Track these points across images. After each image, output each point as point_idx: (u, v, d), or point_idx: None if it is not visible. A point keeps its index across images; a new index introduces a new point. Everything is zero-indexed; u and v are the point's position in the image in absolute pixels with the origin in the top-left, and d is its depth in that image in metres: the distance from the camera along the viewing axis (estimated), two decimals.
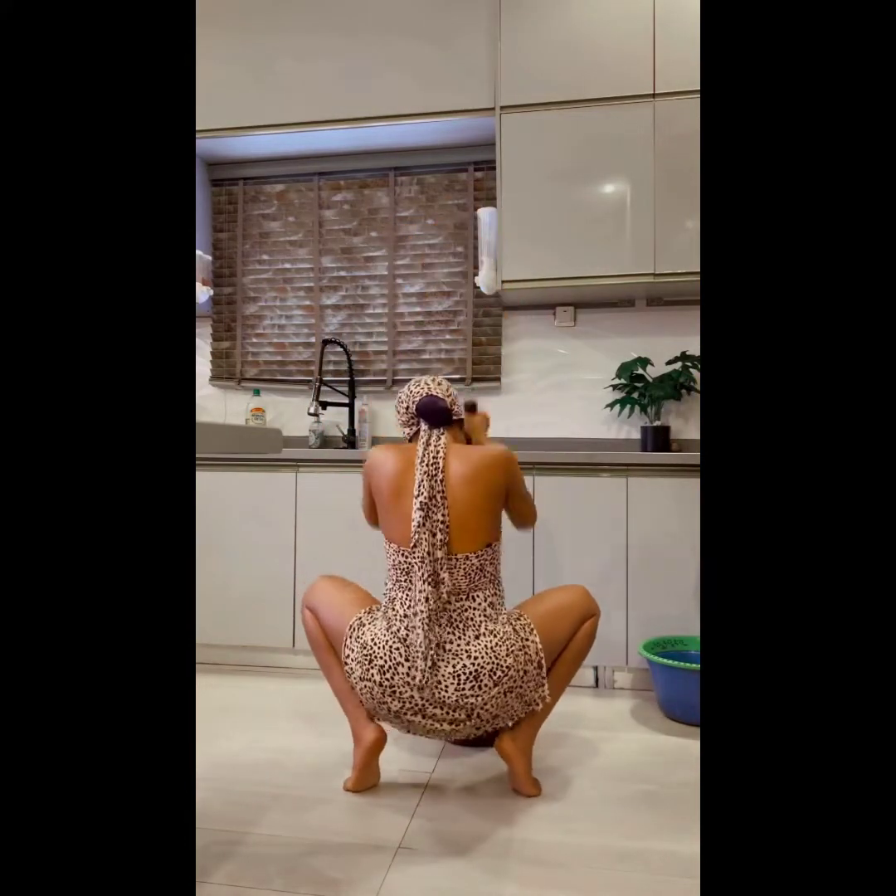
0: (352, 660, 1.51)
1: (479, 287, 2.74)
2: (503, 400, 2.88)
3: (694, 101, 2.43)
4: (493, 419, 2.88)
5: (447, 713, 1.44)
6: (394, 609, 1.51)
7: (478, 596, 1.50)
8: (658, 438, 2.57)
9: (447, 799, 1.56)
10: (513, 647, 1.47)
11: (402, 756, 1.79)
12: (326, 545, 2.46)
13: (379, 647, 1.47)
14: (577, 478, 2.32)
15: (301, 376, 3.04)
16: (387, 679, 1.45)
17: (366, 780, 1.59)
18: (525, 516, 1.67)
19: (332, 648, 1.63)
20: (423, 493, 1.48)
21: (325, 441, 2.96)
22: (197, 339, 3.15)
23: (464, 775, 1.69)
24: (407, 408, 1.63)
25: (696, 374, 2.69)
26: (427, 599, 1.44)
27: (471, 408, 1.75)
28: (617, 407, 2.76)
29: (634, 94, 2.46)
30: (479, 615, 1.49)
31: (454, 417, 1.62)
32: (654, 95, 2.44)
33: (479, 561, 1.51)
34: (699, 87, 1.78)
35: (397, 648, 1.45)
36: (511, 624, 1.51)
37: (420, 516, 1.47)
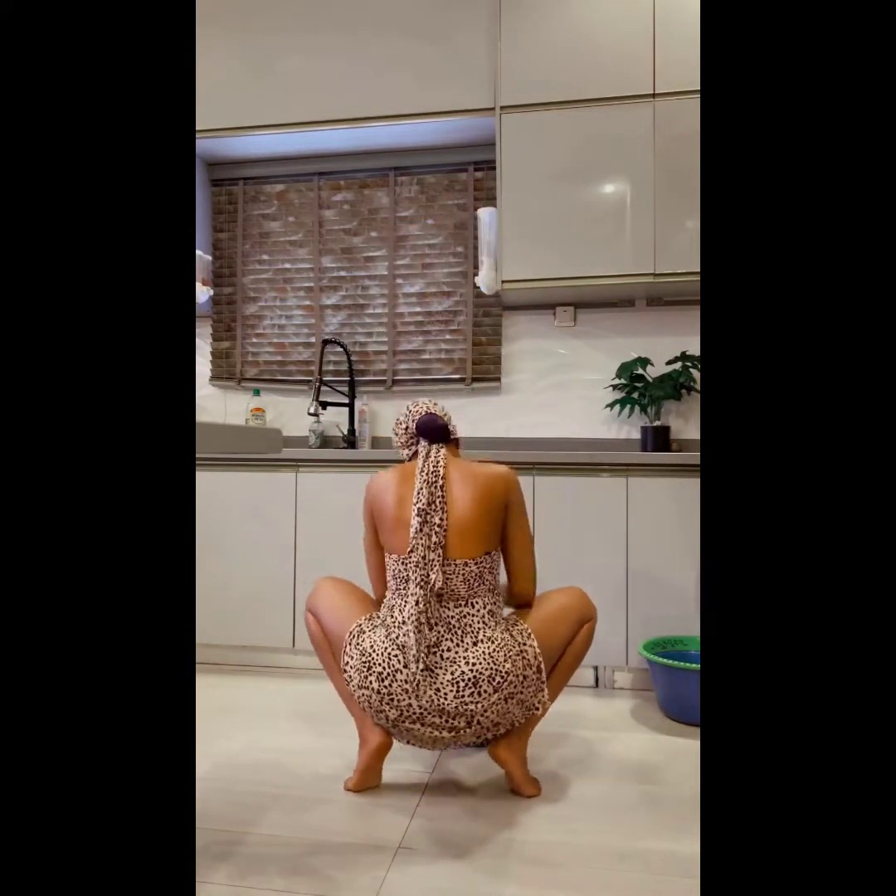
0: (351, 667, 1.51)
1: (479, 287, 2.74)
2: (503, 400, 2.88)
3: (694, 101, 2.43)
4: (493, 419, 2.88)
5: (446, 721, 1.44)
6: (392, 617, 1.51)
7: (476, 603, 1.50)
8: (658, 438, 2.57)
9: (447, 799, 1.56)
10: (511, 653, 1.47)
11: (402, 756, 1.79)
12: (326, 545, 2.46)
13: (377, 655, 1.47)
14: (577, 478, 2.32)
15: (301, 376, 3.04)
16: (385, 686, 1.45)
17: (367, 780, 1.59)
18: (524, 553, 1.59)
19: (334, 652, 1.63)
20: (421, 500, 1.49)
21: (325, 441, 2.96)
22: (197, 339, 3.15)
23: (464, 776, 1.69)
24: (406, 428, 1.66)
25: (696, 374, 2.69)
26: (417, 602, 1.44)
27: None
28: (617, 407, 2.76)
29: (634, 94, 2.46)
30: (478, 622, 1.49)
31: (452, 436, 1.66)
32: (654, 95, 2.44)
33: (478, 568, 1.51)
34: (699, 87, 1.78)
35: (396, 656, 1.45)
36: (508, 630, 1.51)
37: (418, 522, 1.48)
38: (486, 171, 2.88)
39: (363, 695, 1.48)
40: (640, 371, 2.67)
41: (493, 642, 1.46)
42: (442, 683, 1.43)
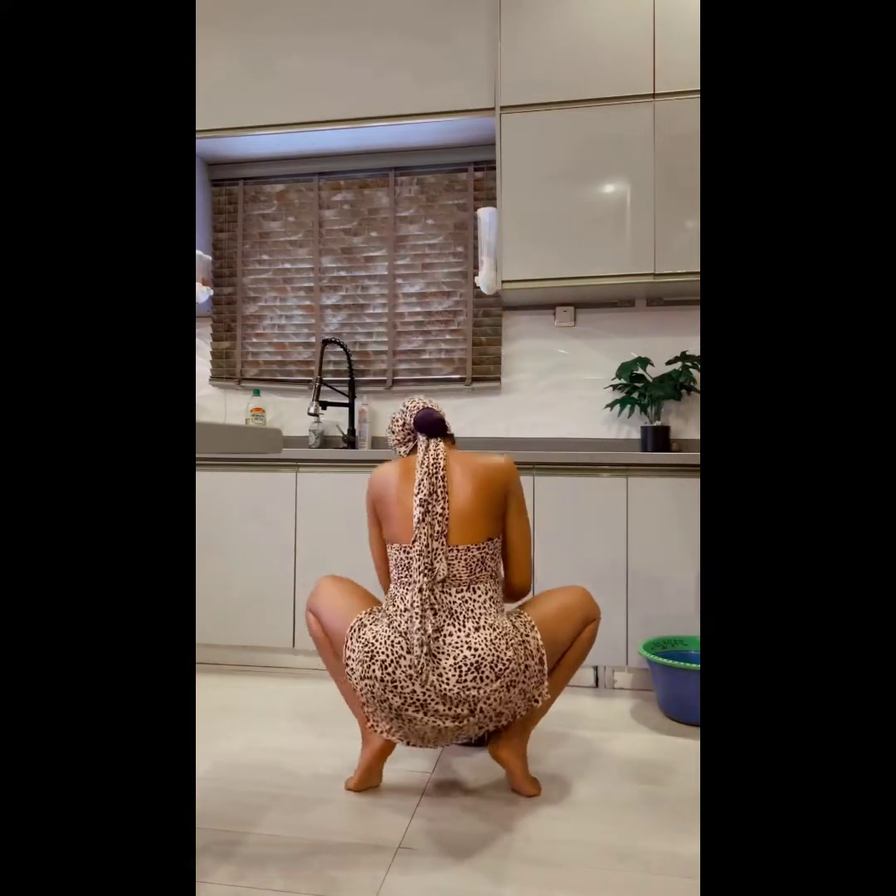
0: (353, 660, 1.51)
1: (479, 287, 2.74)
2: (503, 400, 2.88)
3: (694, 101, 2.43)
4: (493, 419, 2.88)
5: (450, 708, 1.44)
6: (395, 605, 1.52)
7: (478, 588, 1.51)
8: (658, 438, 2.58)
9: (447, 799, 1.56)
10: (513, 641, 1.47)
11: (402, 756, 1.79)
12: (326, 545, 2.46)
13: (380, 643, 1.47)
14: (577, 478, 2.32)
15: (301, 376, 3.04)
16: (388, 673, 1.45)
17: (368, 780, 1.59)
18: (522, 543, 1.63)
19: (335, 651, 1.63)
20: (423, 491, 1.50)
21: (325, 441, 2.96)
22: (197, 339, 3.15)
23: (464, 775, 1.69)
24: (403, 424, 1.67)
25: (696, 374, 2.69)
26: (420, 590, 1.45)
27: None
28: (617, 407, 2.76)
29: (634, 94, 2.46)
30: (479, 608, 1.49)
31: (448, 431, 1.68)
32: (654, 95, 2.45)
33: (480, 554, 1.52)
34: (699, 87, 1.78)
35: (399, 642, 1.45)
36: (511, 620, 1.52)
37: (420, 512, 1.49)
38: (486, 171, 2.88)
39: (366, 685, 1.48)
40: (640, 371, 2.67)
41: (495, 629, 1.47)
42: (444, 668, 1.43)
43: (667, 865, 1.31)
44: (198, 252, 2.98)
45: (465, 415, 2.90)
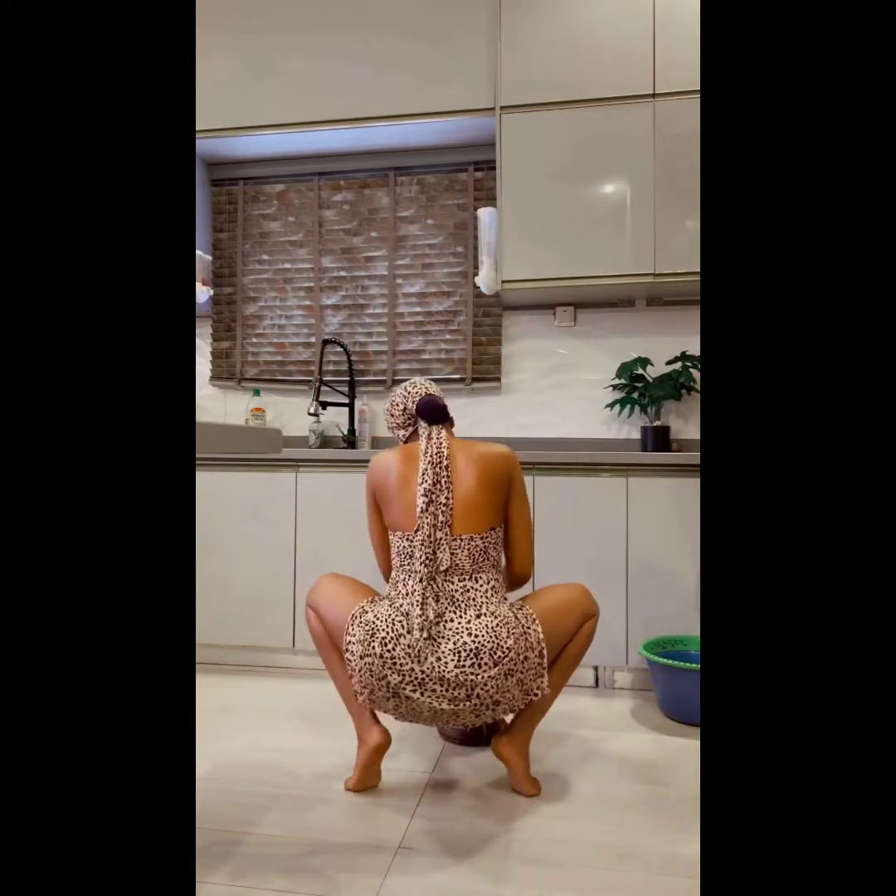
0: (353, 642, 1.50)
1: (479, 287, 2.74)
2: (503, 400, 2.88)
3: (694, 101, 2.43)
4: (493, 419, 2.88)
5: (447, 691, 1.44)
6: (396, 590, 1.53)
7: (480, 577, 1.52)
8: (658, 438, 2.58)
9: (447, 799, 1.56)
10: (514, 631, 1.48)
11: (402, 756, 1.79)
12: (326, 545, 2.46)
13: (382, 621, 1.48)
14: (577, 478, 2.32)
15: (301, 376, 3.04)
16: (388, 650, 1.45)
17: (367, 780, 1.59)
18: (524, 530, 1.64)
19: (335, 647, 1.63)
20: (427, 480, 1.51)
21: (325, 441, 2.96)
22: (197, 339, 3.15)
23: (464, 775, 1.69)
24: (404, 409, 1.67)
25: (696, 374, 2.69)
26: (422, 579, 1.46)
27: None
28: (617, 407, 2.76)
29: (634, 94, 2.46)
30: (481, 596, 1.50)
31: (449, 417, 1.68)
32: (654, 95, 2.45)
33: (483, 543, 1.53)
34: (699, 87, 1.78)
35: (400, 621, 1.47)
36: (513, 611, 1.52)
37: (424, 502, 1.50)
38: (486, 171, 2.88)
39: (365, 664, 1.47)
40: (640, 371, 2.67)
41: (496, 617, 1.48)
42: (443, 652, 1.43)
43: (667, 865, 1.31)
44: (198, 252, 2.98)
45: (465, 415, 2.90)
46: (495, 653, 1.44)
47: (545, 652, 1.51)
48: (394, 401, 1.68)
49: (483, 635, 1.45)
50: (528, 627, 1.51)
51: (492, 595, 1.53)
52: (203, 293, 2.98)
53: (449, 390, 2.92)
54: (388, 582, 1.65)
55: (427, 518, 1.50)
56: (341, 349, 2.98)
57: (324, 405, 2.84)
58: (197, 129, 2.82)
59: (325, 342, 2.83)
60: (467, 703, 1.45)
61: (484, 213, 2.63)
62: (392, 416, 1.69)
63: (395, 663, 1.45)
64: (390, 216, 2.98)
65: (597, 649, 2.29)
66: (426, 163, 2.93)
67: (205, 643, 2.55)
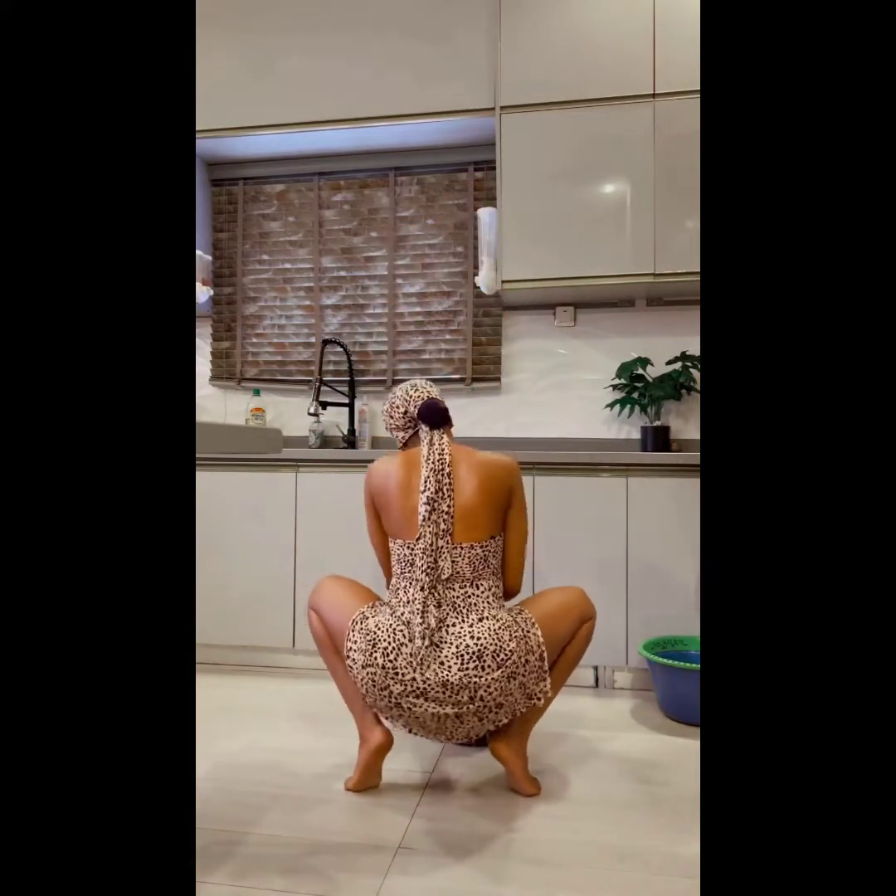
0: (355, 650, 1.51)
1: (479, 287, 2.74)
2: (503, 400, 2.88)
3: (694, 101, 2.43)
4: (493, 419, 2.88)
5: (450, 695, 1.44)
6: (397, 597, 1.52)
7: (481, 584, 1.52)
8: (658, 438, 2.58)
9: (447, 799, 1.56)
10: (515, 634, 1.48)
11: (402, 756, 1.79)
12: (326, 545, 2.46)
13: (383, 631, 1.48)
14: (577, 478, 2.32)
15: (301, 376, 3.04)
16: (389, 660, 1.45)
17: (367, 780, 1.59)
18: (519, 542, 1.63)
19: (337, 649, 1.63)
20: (429, 488, 1.50)
21: (325, 441, 2.96)
22: (197, 339, 3.15)
23: (464, 775, 1.69)
24: (404, 412, 1.65)
25: (696, 374, 2.69)
26: (423, 588, 1.45)
27: None
28: (617, 407, 2.76)
29: (634, 94, 2.46)
30: (483, 602, 1.51)
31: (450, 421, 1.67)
32: (654, 95, 2.44)
33: (484, 551, 1.53)
34: (699, 87, 1.78)
35: (401, 631, 1.47)
36: (512, 616, 1.53)
37: (426, 511, 1.49)
38: (486, 171, 2.88)
39: (367, 674, 1.48)
40: (640, 371, 2.67)
41: (498, 620, 1.48)
42: (446, 656, 1.43)
43: (667, 865, 1.31)
44: (198, 252, 2.98)
45: (466, 415, 2.90)
46: (498, 655, 1.44)
47: (546, 655, 1.52)
48: (394, 403, 1.67)
49: (485, 638, 1.45)
50: (528, 631, 1.51)
51: (493, 600, 1.53)
52: (203, 293, 2.98)
53: (449, 390, 2.92)
54: (389, 588, 1.64)
55: (429, 526, 1.49)
56: (341, 349, 2.98)
57: (324, 405, 2.84)
58: (197, 129, 2.82)
59: (325, 342, 2.83)
60: (471, 706, 1.45)
61: (484, 213, 2.63)
62: (391, 417, 1.68)
63: (396, 673, 1.45)
64: (390, 216, 2.98)
65: (597, 649, 2.29)
66: (426, 163, 2.93)
67: (205, 643, 2.55)
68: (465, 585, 1.50)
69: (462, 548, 1.51)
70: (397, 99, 2.65)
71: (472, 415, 2.90)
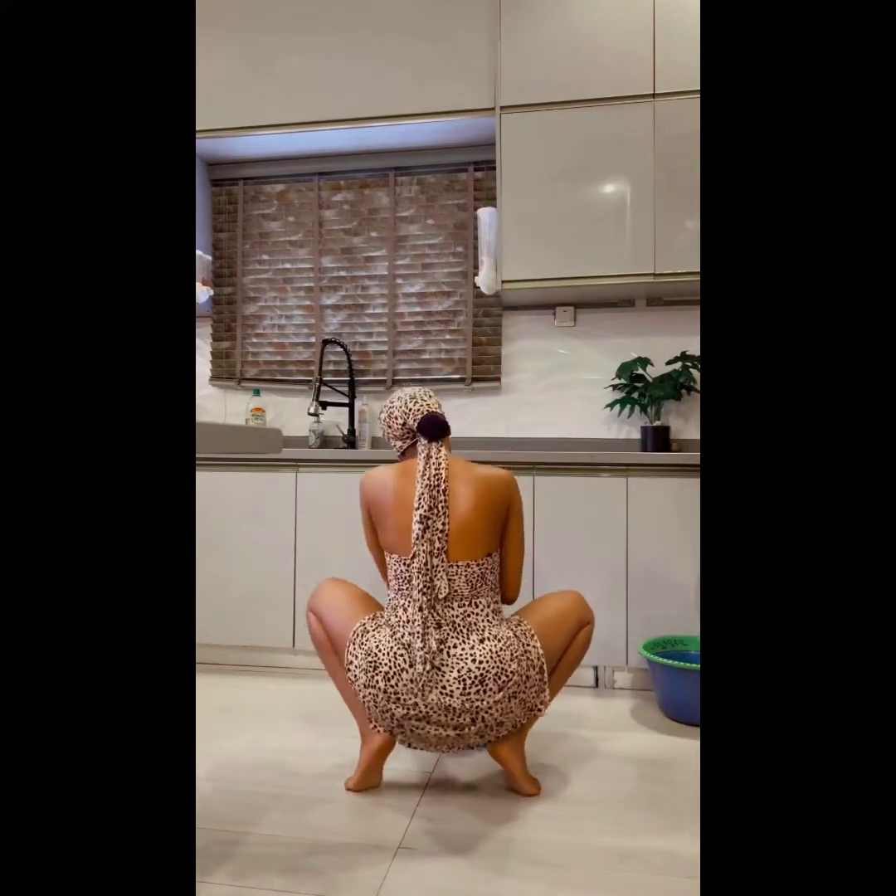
0: (356, 667, 1.51)
1: (479, 287, 2.74)
2: (503, 400, 2.88)
3: (694, 101, 2.43)
4: (493, 419, 2.88)
5: (452, 719, 1.44)
6: (396, 616, 1.51)
7: (480, 602, 1.50)
8: (658, 438, 2.57)
9: (447, 799, 1.56)
10: (516, 653, 1.47)
11: (402, 756, 1.79)
12: (326, 545, 2.46)
13: (383, 654, 1.46)
14: (577, 478, 2.32)
15: (301, 376, 3.04)
16: (391, 685, 1.45)
17: (368, 780, 1.59)
18: (517, 556, 1.61)
19: (337, 652, 1.63)
20: (423, 506, 1.47)
21: (325, 441, 2.96)
22: (197, 339, 3.15)
23: (464, 775, 1.69)
24: (403, 424, 1.61)
25: (696, 374, 2.69)
26: (421, 608, 1.44)
27: None
28: (617, 407, 2.76)
29: (634, 94, 2.46)
30: (483, 620, 1.49)
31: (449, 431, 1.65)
32: (654, 95, 2.44)
33: (480, 569, 1.51)
34: (699, 87, 1.78)
35: (401, 655, 1.45)
36: (512, 629, 1.52)
37: (419, 528, 1.47)
38: (486, 171, 2.88)
39: (369, 694, 1.48)
40: (640, 371, 2.67)
41: (499, 640, 1.47)
42: (448, 681, 1.43)
43: (667, 865, 1.31)
44: (198, 252, 2.98)
45: (466, 415, 2.90)
46: (500, 678, 1.44)
47: (545, 667, 1.52)
48: (392, 413, 1.62)
49: (487, 661, 1.44)
50: (528, 645, 1.51)
51: (492, 617, 1.51)
52: (203, 293, 2.98)
53: (449, 390, 2.92)
54: (388, 604, 1.63)
55: (423, 544, 1.46)
56: (341, 349, 2.98)
57: (324, 405, 2.84)
58: (197, 129, 2.82)
59: (325, 342, 2.83)
60: (472, 728, 1.46)
61: (484, 213, 2.63)
62: (390, 427, 1.63)
63: (398, 698, 1.45)
64: (390, 216, 2.98)
65: (597, 649, 2.29)
66: (426, 163, 2.93)
67: (205, 643, 2.55)
68: (464, 604, 1.49)
69: (459, 566, 1.49)
70: (397, 99, 2.65)
71: (472, 415, 2.90)
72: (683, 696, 2.00)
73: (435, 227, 2.95)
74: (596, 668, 2.36)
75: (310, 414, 2.81)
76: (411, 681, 1.43)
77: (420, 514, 1.47)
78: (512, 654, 1.46)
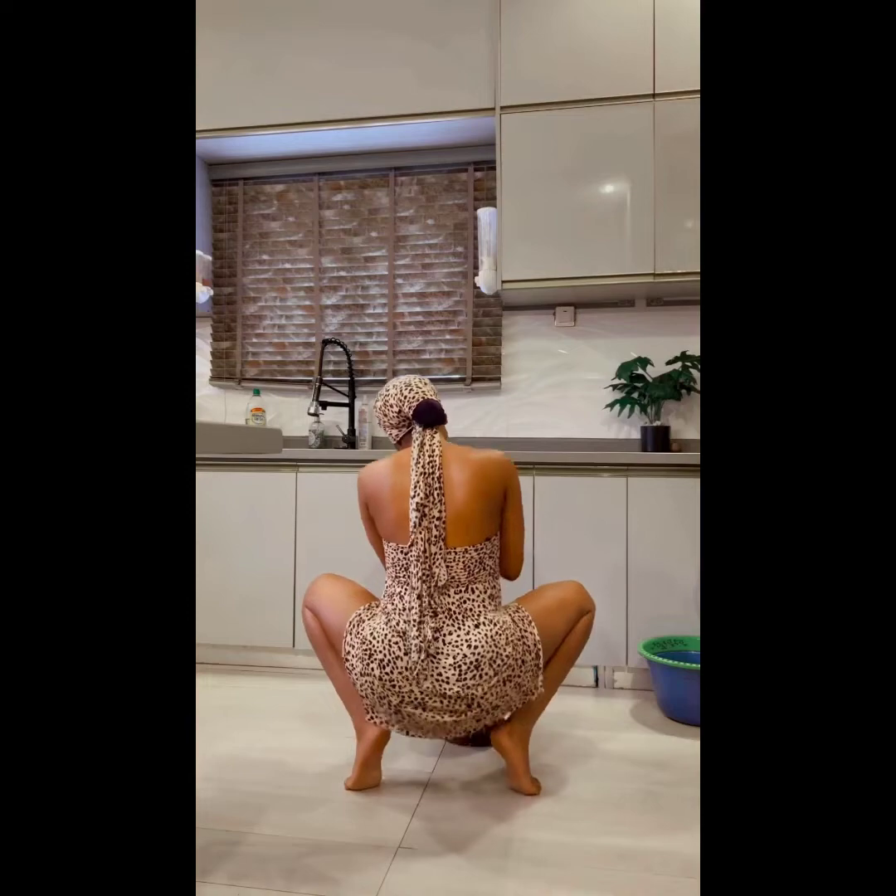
0: (352, 656, 1.51)
1: (479, 287, 2.74)
2: (503, 400, 2.88)
3: (694, 101, 2.43)
4: (493, 419, 2.88)
5: (448, 704, 1.44)
6: (392, 604, 1.51)
7: (477, 588, 1.51)
8: (658, 438, 2.57)
9: (447, 798, 1.57)
10: (512, 637, 1.48)
11: (402, 756, 1.79)
12: (326, 545, 2.46)
13: (378, 642, 1.47)
14: (577, 478, 2.32)
15: (301, 376, 3.04)
16: (386, 673, 1.45)
17: (367, 778, 1.59)
18: (518, 536, 1.62)
19: (333, 647, 1.63)
20: (419, 494, 1.48)
21: (325, 441, 2.96)
22: (197, 339, 3.15)
23: (464, 774, 1.69)
24: (398, 411, 1.61)
25: (696, 374, 2.69)
26: (419, 596, 1.45)
27: None
28: (617, 407, 2.76)
29: (634, 94, 2.46)
30: (479, 606, 1.49)
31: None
32: (654, 95, 2.45)
33: (479, 554, 1.52)
34: (699, 87, 1.78)
35: (396, 643, 1.46)
36: (509, 615, 1.52)
37: (416, 516, 1.47)
38: (486, 171, 2.88)
39: (366, 682, 1.48)
40: (640, 371, 2.67)
41: (495, 625, 1.47)
42: (443, 668, 1.43)
43: (667, 865, 1.31)
44: (198, 252, 2.98)
45: (466, 415, 2.90)
46: (495, 662, 1.44)
47: (541, 652, 1.52)
48: (388, 401, 1.62)
49: (482, 646, 1.44)
50: (525, 630, 1.51)
51: (489, 603, 1.52)
52: (203, 293, 2.98)
53: (449, 390, 2.92)
54: (385, 590, 1.64)
55: (421, 532, 1.46)
56: (341, 349, 2.98)
57: (324, 405, 2.84)
58: (197, 129, 2.82)
59: (325, 342, 2.83)
60: (468, 713, 1.46)
61: (484, 213, 2.63)
62: (385, 416, 1.63)
63: (393, 686, 1.45)
64: (390, 216, 2.98)
65: (597, 649, 2.29)
66: (426, 163, 2.93)
67: (205, 643, 2.55)
68: (461, 590, 1.49)
69: (456, 552, 1.49)
70: (397, 99, 2.65)
71: (472, 415, 2.90)
72: (683, 696, 2.00)
73: (435, 227, 2.95)
74: (596, 668, 2.36)
75: (310, 414, 2.81)
76: (407, 668, 1.44)
77: (416, 502, 1.47)
78: (507, 638, 1.47)
